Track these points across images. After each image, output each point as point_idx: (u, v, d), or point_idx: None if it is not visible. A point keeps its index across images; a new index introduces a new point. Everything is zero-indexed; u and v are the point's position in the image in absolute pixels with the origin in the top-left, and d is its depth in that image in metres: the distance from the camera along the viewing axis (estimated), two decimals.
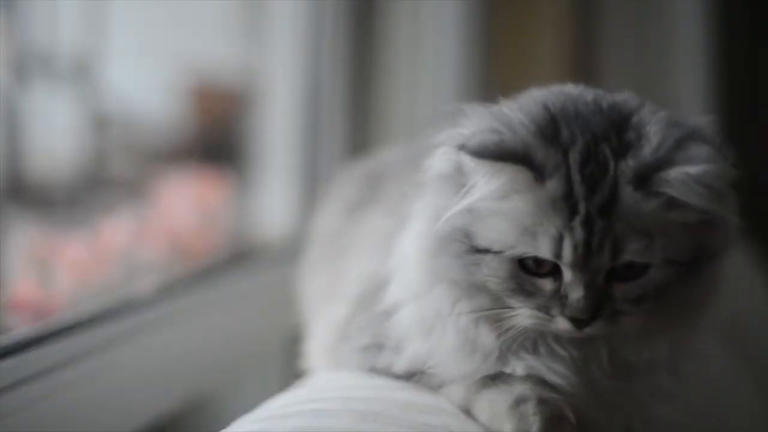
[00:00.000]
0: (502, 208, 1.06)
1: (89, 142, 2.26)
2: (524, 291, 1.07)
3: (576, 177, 1.05)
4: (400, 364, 1.24)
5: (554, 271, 1.07)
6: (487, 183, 1.05)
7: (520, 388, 1.14)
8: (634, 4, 3.18)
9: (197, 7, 2.60)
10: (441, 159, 1.10)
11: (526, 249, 1.05)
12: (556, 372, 1.14)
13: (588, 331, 1.08)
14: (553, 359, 1.14)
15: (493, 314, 1.09)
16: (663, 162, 1.06)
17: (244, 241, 2.58)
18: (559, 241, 1.05)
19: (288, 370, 1.63)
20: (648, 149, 1.07)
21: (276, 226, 2.52)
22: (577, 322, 1.08)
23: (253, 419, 1.15)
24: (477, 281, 1.08)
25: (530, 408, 1.12)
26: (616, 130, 1.09)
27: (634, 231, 1.05)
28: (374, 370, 1.27)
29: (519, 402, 1.13)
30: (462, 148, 1.04)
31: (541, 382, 1.15)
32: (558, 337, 1.12)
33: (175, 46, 2.50)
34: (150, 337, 1.75)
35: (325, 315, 1.44)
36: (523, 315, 1.09)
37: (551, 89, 1.17)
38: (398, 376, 1.24)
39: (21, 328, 1.73)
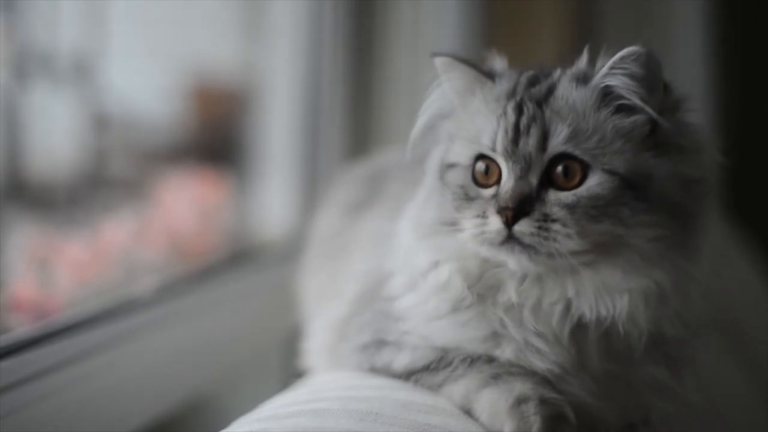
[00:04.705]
0: (467, 111, 1.22)
1: (89, 142, 2.26)
2: (469, 198, 1.19)
3: (522, 79, 1.21)
4: (401, 360, 1.25)
5: (497, 182, 1.18)
6: (459, 78, 1.24)
7: (520, 388, 1.14)
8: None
9: (197, 8, 2.60)
10: (434, 98, 1.27)
11: (476, 150, 1.20)
12: (540, 350, 1.16)
13: (517, 229, 1.13)
14: (534, 335, 1.16)
15: (450, 239, 1.20)
16: (602, 66, 1.18)
17: (244, 241, 2.58)
18: (495, 130, 1.18)
19: (288, 370, 1.63)
20: (591, 62, 1.21)
21: (276, 226, 2.52)
22: (507, 213, 1.13)
23: (253, 419, 1.15)
24: (444, 207, 1.21)
25: (531, 408, 1.12)
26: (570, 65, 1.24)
27: (562, 118, 1.16)
28: (374, 369, 1.27)
29: (520, 402, 1.13)
30: (448, 55, 1.25)
31: (542, 381, 1.16)
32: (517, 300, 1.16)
33: (175, 46, 2.50)
34: (150, 337, 1.75)
35: (324, 314, 1.44)
36: (468, 227, 1.17)
37: None
38: (398, 375, 1.25)
39: (21, 328, 1.73)
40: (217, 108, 2.78)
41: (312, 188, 2.45)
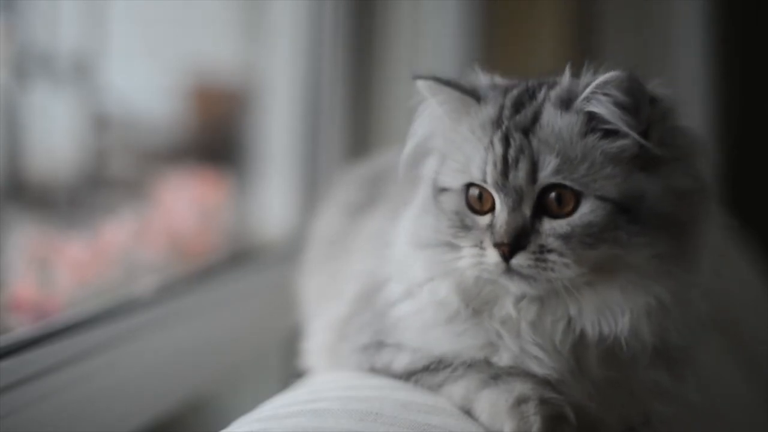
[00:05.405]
0: (455, 136, 1.21)
1: (89, 142, 2.26)
2: (465, 226, 1.18)
3: (507, 103, 1.20)
4: (401, 361, 1.25)
5: (492, 210, 1.17)
6: (444, 101, 1.22)
7: (520, 388, 1.14)
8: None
9: (197, 8, 2.60)
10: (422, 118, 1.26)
11: (467, 179, 1.19)
12: (538, 358, 1.17)
13: (515, 263, 1.13)
14: (532, 344, 1.16)
15: (447, 259, 1.19)
16: (584, 87, 1.16)
17: (244, 241, 2.58)
18: (484, 162, 1.17)
19: (288, 370, 1.63)
20: (574, 82, 1.19)
21: (276, 226, 2.52)
22: (503, 249, 1.13)
23: (253, 419, 1.15)
24: (441, 231, 1.20)
25: (531, 408, 1.12)
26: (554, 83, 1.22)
27: (550, 148, 1.14)
28: (374, 370, 1.27)
29: (520, 402, 1.13)
30: (430, 77, 1.22)
31: (542, 382, 1.16)
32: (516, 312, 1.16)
33: (175, 46, 2.49)
34: (150, 337, 1.75)
35: (324, 314, 1.44)
36: (466, 255, 1.17)
37: None
38: (398, 375, 1.25)
39: (21, 328, 1.73)
40: (217, 108, 2.78)
41: (312, 188, 2.45)
